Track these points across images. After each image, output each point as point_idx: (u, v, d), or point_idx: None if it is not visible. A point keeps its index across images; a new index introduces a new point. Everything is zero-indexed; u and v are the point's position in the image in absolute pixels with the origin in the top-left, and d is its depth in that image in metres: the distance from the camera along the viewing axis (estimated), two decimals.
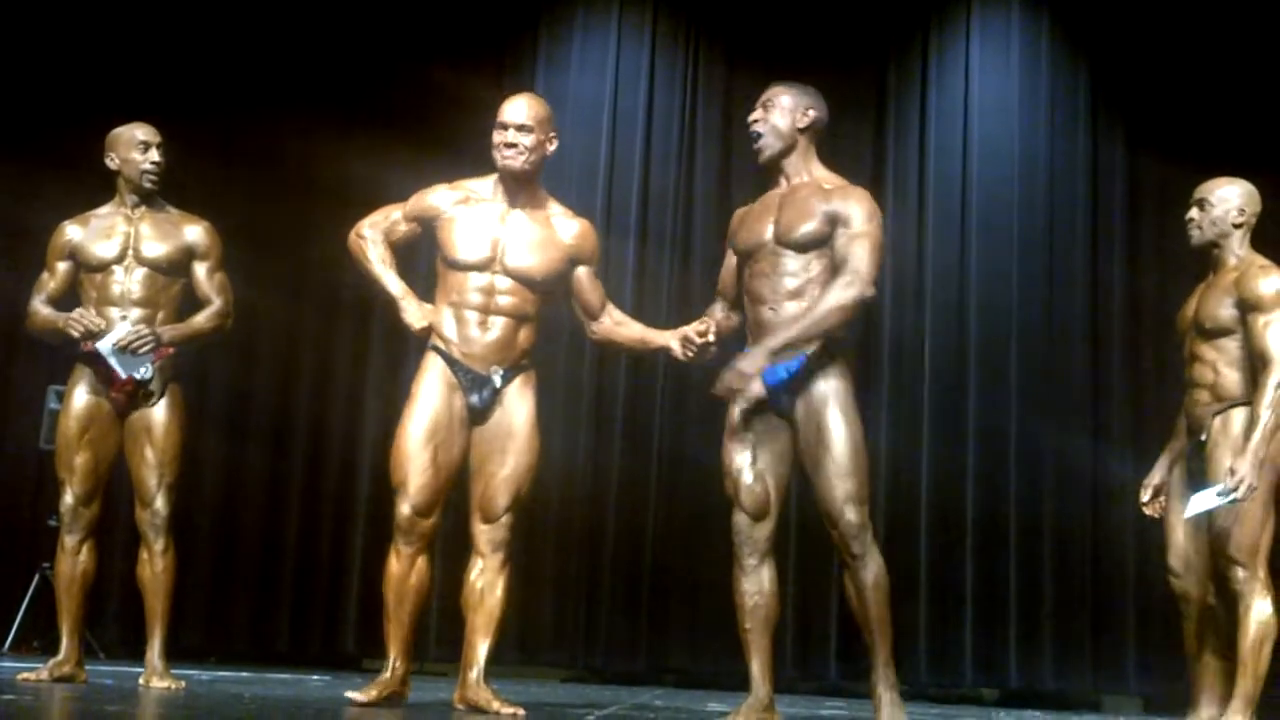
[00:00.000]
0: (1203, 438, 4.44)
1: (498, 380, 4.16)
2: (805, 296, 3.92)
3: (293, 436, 8.11)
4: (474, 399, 4.13)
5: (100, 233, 4.95)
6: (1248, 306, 4.35)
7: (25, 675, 4.80)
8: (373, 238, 4.35)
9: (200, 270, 4.99)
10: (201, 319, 4.98)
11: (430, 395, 4.08)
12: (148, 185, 4.97)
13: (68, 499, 4.84)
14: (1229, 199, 4.50)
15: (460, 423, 4.13)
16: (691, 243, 8.12)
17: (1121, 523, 7.47)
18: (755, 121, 4.13)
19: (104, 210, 5.04)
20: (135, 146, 4.96)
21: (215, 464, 7.86)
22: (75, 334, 4.82)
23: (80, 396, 4.87)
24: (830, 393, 3.89)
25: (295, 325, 8.10)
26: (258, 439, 8.03)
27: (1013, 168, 7.93)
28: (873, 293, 3.89)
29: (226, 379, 7.87)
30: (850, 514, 3.85)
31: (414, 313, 4.20)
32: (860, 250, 3.87)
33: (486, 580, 4.18)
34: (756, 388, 3.88)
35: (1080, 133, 7.98)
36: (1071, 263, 7.84)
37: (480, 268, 4.18)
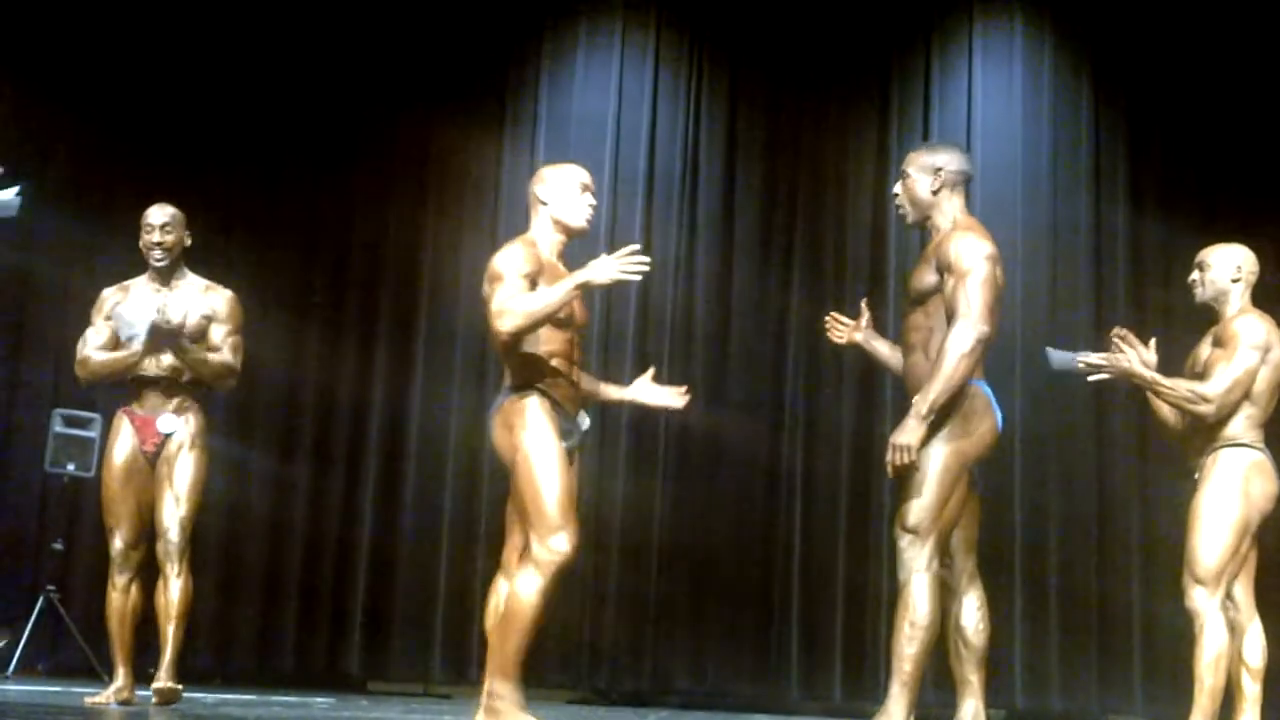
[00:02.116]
0: (1195, 476, 4.66)
1: (586, 424, 4.23)
2: (930, 348, 4.06)
3: (297, 459, 8.11)
4: (570, 443, 4.16)
5: (134, 301, 5.27)
6: (1218, 342, 4.66)
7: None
8: (520, 291, 4.06)
9: (217, 332, 5.29)
10: (215, 357, 5.28)
11: (555, 440, 4.04)
12: (154, 263, 5.33)
13: (117, 544, 5.18)
14: (1225, 260, 4.77)
15: None
16: (695, 261, 8.13)
17: (1127, 544, 7.46)
18: (896, 195, 4.31)
19: (139, 280, 5.39)
20: (142, 229, 5.35)
21: (219, 487, 7.84)
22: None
23: (122, 449, 5.24)
24: (941, 421, 3.99)
25: (298, 350, 8.11)
26: (261, 461, 8.03)
27: (1016, 187, 7.92)
28: (988, 330, 3.99)
29: (230, 403, 7.87)
30: (900, 537, 3.96)
31: (604, 266, 4.06)
32: (964, 292, 3.99)
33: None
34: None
35: (1083, 149, 7.98)
36: (1076, 277, 7.85)
37: (569, 323, 4.17)
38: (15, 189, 3.18)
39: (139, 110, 8.11)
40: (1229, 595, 4.56)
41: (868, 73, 8.24)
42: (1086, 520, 7.57)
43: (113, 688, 5.14)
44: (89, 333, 5.31)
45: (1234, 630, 4.54)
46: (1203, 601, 4.47)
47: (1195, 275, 4.81)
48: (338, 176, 8.30)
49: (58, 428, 7.35)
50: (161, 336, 5.08)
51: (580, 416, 4.22)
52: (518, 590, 4.01)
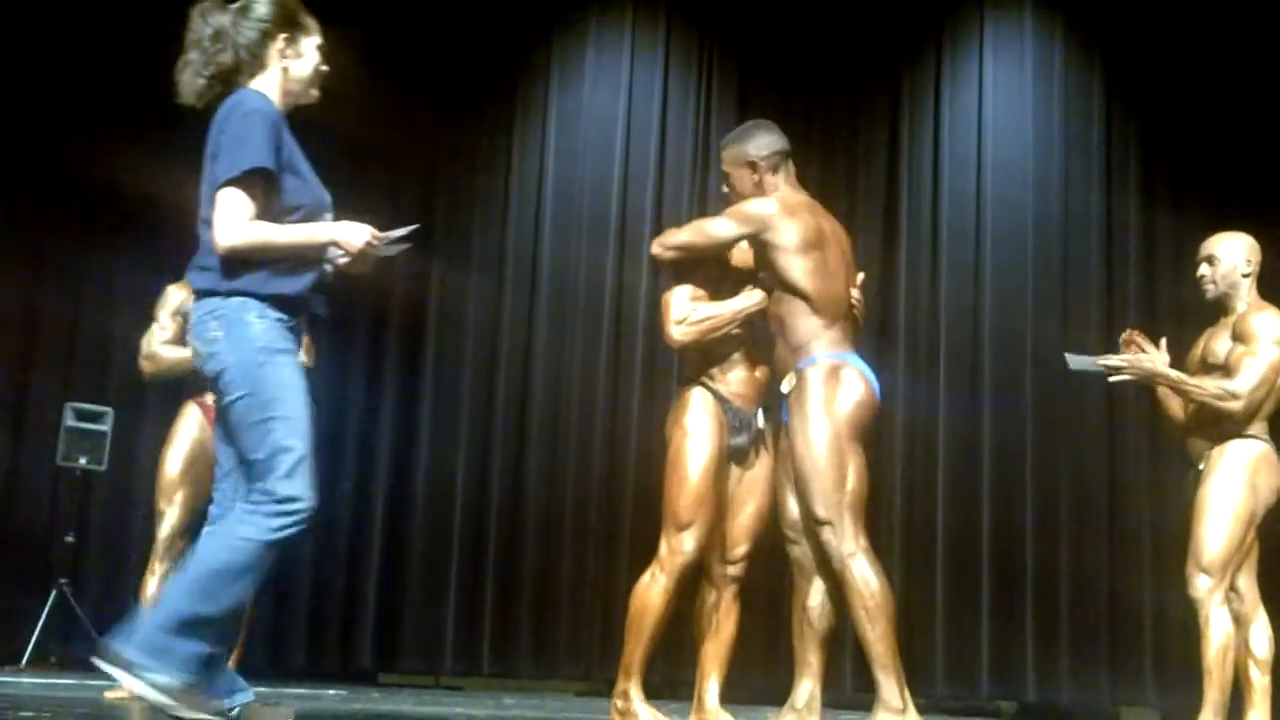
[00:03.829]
0: (1200, 467, 4.65)
1: (760, 422, 4.14)
2: (785, 333, 3.97)
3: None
4: (740, 439, 4.11)
5: None
6: (1237, 337, 4.63)
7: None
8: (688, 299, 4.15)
9: None
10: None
11: (711, 433, 4.02)
12: None
13: (165, 530, 5.20)
14: (1234, 251, 4.75)
15: (725, 461, 4.10)
16: None
17: (1138, 536, 7.46)
18: (725, 193, 4.20)
19: None
20: None
21: None
22: None
23: (188, 434, 5.29)
24: (804, 399, 3.89)
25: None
26: None
27: (1026, 181, 7.92)
28: (658, 251, 4.07)
29: None
30: (818, 531, 3.86)
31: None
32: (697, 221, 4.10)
33: (722, 612, 4.24)
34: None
35: (1094, 143, 7.99)
36: (1087, 271, 7.85)
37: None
38: (406, 230, 3.31)
39: (140, 98, 8.08)
40: (1233, 587, 4.55)
41: (878, 67, 8.23)
42: (1097, 512, 7.57)
43: None
44: (155, 329, 5.36)
45: (1239, 622, 4.54)
46: (1205, 590, 4.47)
47: (1205, 270, 4.77)
48: (348, 168, 8.30)
49: (69, 422, 7.36)
50: None
51: (756, 414, 4.13)
52: (640, 590, 4.01)
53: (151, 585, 5.16)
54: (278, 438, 3.04)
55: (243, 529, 3.02)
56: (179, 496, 5.22)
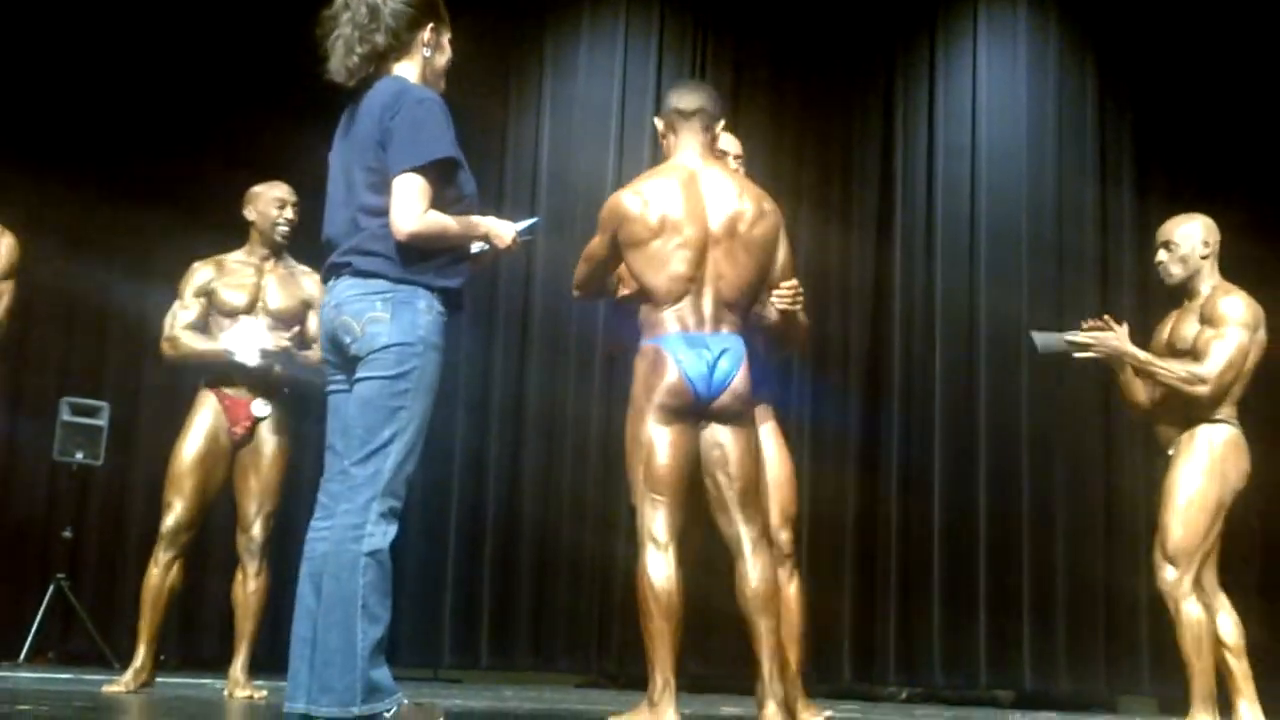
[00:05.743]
0: (1170, 452, 4.57)
1: None
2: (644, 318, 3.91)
3: (305, 442, 8.07)
4: None
5: (232, 281, 5.15)
6: (1205, 321, 4.53)
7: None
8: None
9: (313, 320, 5.12)
10: (315, 356, 5.05)
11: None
12: (280, 240, 5.21)
13: (170, 521, 5.03)
14: (1192, 235, 4.65)
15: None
16: None
17: (1134, 523, 7.46)
18: None
19: (235, 257, 5.23)
20: (273, 203, 5.19)
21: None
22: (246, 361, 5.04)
23: (201, 426, 5.09)
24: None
25: None
26: None
27: (1021, 167, 7.93)
28: (575, 294, 4.09)
29: None
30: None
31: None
32: None
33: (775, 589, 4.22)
34: None
35: (1088, 131, 7.99)
36: (1082, 260, 7.85)
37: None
38: (532, 222, 3.35)
39: (137, 89, 8.07)
40: (1196, 579, 4.48)
41: (872, 57, 8.23)
42: (1093, 502, 7.58)
43: (131, 670, 5.00)
44: (178, 309, 5.14)
45: (1207, 612, 4.45)
46: (1173, 580, 4.39)
47: (1163, 255, 4.65)
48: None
49: (65, 416, 7.35)
50: (272, 359, 5.03)
51: None
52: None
53: (154, 575, 5.00)
54: (399, 426, 3.05)
55: (366, 544, 3.03)
56: (188, 487, 5.02)
